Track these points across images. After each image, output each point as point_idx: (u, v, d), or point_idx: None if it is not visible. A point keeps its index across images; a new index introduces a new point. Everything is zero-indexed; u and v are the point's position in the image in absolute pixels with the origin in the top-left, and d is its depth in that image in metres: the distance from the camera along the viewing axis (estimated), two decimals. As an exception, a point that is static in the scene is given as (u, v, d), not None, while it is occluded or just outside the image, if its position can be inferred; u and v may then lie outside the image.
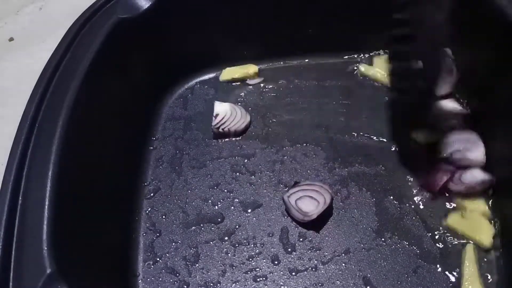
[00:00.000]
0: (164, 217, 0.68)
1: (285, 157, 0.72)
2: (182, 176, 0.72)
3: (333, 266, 0.61)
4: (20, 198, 0.51)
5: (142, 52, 0.72)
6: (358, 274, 0.60)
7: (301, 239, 0.64)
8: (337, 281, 0.60)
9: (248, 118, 0.76)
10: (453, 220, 0.62)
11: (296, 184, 0.66)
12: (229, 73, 0.82)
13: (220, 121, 0.74)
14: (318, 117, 0.76)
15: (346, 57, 0.81)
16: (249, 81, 0.81)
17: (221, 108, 0.75)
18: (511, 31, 0.59)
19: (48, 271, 0.46)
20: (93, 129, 0.61)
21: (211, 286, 0.61)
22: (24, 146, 0.54)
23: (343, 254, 0.62)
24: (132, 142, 0.72)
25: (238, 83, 0.81)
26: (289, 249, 0.63)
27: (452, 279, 0.59)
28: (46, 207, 0.49)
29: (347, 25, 0.75)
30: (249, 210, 0.67)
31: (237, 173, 0.71)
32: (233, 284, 0.61)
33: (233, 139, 0.75)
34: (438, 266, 0.60)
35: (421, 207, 0.65)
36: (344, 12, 0.74)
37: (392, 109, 0.73)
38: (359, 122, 0.74)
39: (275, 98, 0.79)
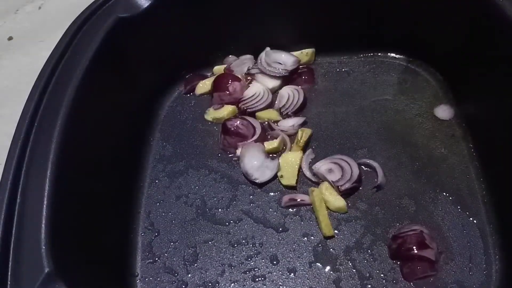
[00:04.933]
0: (162, 216, 0.68)
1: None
2: (181, 176, 0.71)
3: (333, 266, 0.61)
4: (18, 197, 0.51)
5: (141, 51, 0.72)
6: (357, 274, 0.60)
7: (300, 239, 0.64)
8: (337, 281, 0.60)
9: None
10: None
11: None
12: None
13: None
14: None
15: (345, 57, 0.81)
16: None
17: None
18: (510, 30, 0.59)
19: (46, 270, 0.46)
20: (91, 128, 0.61)
21: (210, 285, 0.61)
22: (23, 145, 0.54)
23: (342, 254, 0.62)
24: (131, 141, 0.72)
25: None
26: (288, 249, 0.63)
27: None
28: (45, 206, 0.49)
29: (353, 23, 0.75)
30: (249, 210, 0.67)
31: (237, 173, 0.71)
32: (232, 284, 0.61)
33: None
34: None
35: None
36: (347, 11, 0.75)
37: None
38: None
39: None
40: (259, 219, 0.66)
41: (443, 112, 0.73)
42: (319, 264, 0.62)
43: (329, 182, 0.66)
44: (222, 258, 0.63)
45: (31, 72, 0.61)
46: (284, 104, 0.76)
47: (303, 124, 0.74)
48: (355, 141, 0.72)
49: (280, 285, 0.61)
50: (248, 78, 0.80)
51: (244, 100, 0.77)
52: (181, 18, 0.73)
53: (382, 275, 0.60)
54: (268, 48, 0.80)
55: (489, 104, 0.67)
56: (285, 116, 0.76)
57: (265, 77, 0.79)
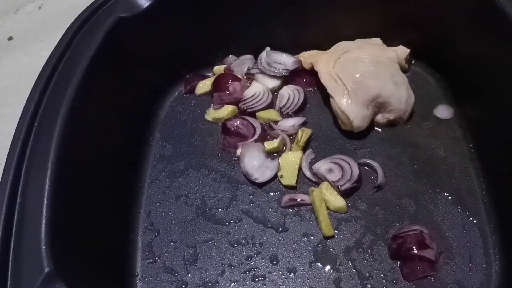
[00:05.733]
0: (162, 216, 0.68)
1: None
2: (181, 176, 0.71)
3: (333, 266, 0.61)
4: (18, 197, 0.51)
5: (141, 51, 0.72)
6: (357, 274, 0.60)
7: (300, 239, 0.64)
8: (337, 281, 0.60)
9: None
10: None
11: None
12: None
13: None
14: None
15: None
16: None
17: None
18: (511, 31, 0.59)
19: (46, 270, 0.46)
20: (91, 128, 0.61)
21: (210, 285, 0.61)
22: (23, 145, 0.54)
23: (342, 254, 0.62)
24: (131, 141, 0.72)
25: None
26: (288, 249, 0.63)
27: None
28: (45, 206, 0.49)
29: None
30: (249, 210, 0.67)
31: (237, 173, 0.71)
32: (232, 284, 0.61)
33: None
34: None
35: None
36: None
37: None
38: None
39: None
40: (259, 219, 0.66)
41: (443, 112, 0.74)
42: (319, 264, 0.62)
43: (329, 182, 0.66)
44: (222, 258, 0.63)
45: (31, 72, 0.61)
46: (284, 104, 0.76)
47: (303, 124, 0.74)
48: (355, 141, 0.72)
49: (280, 285, 0.61)
50: (248, 78, 0.80)
51: (244, 100, 0.77)
52: (181, 18, 0.73)
53: (382, 275, 0.60)
54: (268, 48, 0.80)
55: (489, 104, 0.67)
56: (285, 116, 0.76)
57: (265, 77, 0.79)
